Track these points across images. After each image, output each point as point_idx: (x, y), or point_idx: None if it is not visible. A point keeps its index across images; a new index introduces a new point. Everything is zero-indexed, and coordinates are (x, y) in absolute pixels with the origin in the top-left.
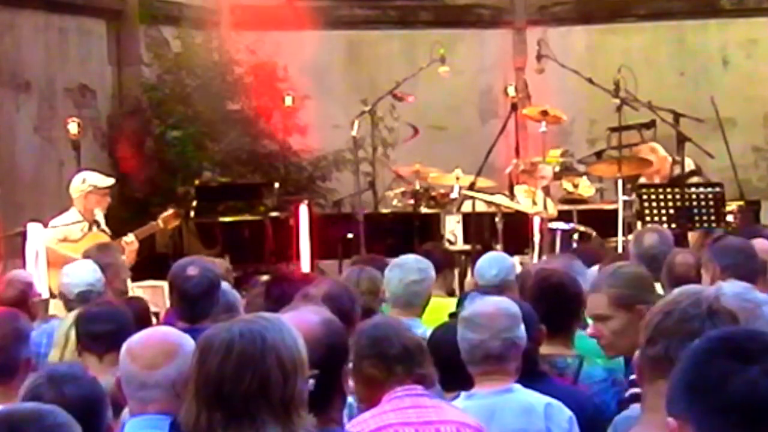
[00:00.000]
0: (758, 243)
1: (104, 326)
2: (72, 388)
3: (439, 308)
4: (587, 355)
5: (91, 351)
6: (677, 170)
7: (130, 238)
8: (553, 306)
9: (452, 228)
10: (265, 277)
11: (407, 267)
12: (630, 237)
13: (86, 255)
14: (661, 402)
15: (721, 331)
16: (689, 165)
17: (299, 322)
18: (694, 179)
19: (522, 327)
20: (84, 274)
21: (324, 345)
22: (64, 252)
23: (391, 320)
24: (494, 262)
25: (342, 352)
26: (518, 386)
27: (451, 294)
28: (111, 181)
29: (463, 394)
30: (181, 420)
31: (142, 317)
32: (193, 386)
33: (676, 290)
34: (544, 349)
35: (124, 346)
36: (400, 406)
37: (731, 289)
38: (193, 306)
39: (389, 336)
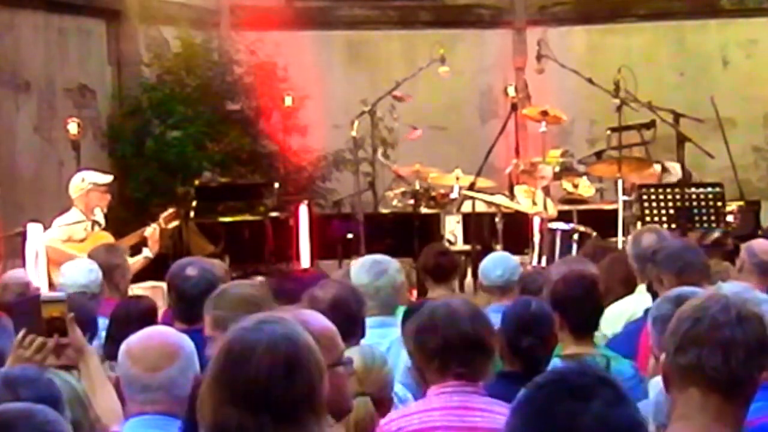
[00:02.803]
0: (758, 243)
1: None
2: (27, 391)
3: None
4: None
5: None
6: (668, 178)
7: (149, 230)
8: (583, 307)
9: (452, 228)
10: (259, 279)
11: (392, 270)
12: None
13: (93, 256)
14: (693, 410)
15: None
16: (675, 169)
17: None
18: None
19: None
20: (78, 275)
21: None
22: (70, 251)
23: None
24: (499, 262)
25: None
26: None
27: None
28: (109, 177)
29: None
30: (208, 423)
31: (149, 316)
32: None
33: (698, 294)
34: (573, 349)
35: (123, 347)
36: (447, 405)
37: (730, 288)
38: (192, 306)
39: (436, 327)
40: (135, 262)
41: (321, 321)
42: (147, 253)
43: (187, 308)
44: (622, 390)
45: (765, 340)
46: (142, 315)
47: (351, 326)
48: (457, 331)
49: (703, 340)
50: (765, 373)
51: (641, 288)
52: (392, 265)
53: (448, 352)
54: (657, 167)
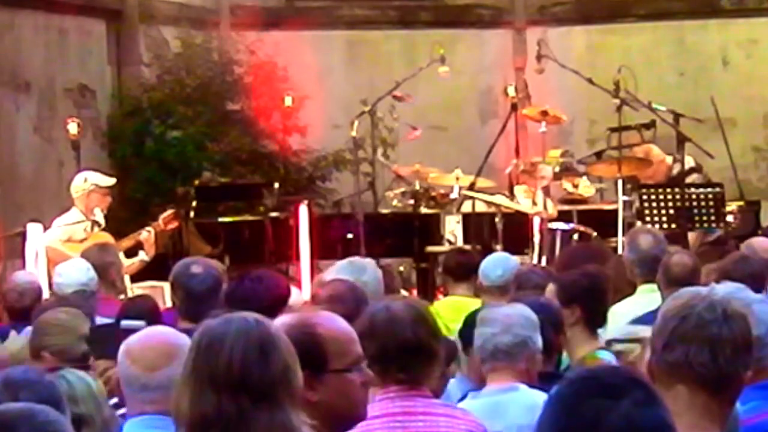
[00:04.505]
0: (758, 242)
1: None
2: (27, 394)
3: (465, 307)
4: None
5: None
6: (677, 168)
7: (145, 234)
8: (602, 302)
9: (452, 228)
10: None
11: (372, 266)
12: None
13: (87, 255)
14: (680, 406)
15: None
16: (689, 162)
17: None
18: (694, 176)
19: (539, 335)
20: (77, 273)
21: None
22: (69, 252)
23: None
24: (499, 262)
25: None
26: (524, 386)
27: (477, 295)
28: (112, 180)
29: (470, 393)
30: (187, 417)
31: (151, 316)
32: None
33: (682, 293)
34: (593, 345)
35: (123, 347)
36: (388, 411)
37: (723, 289)
38: (199, 303)
39: (374, 333)
40: (131, 265)
41: (334, 324)
42: (143, 256)
43: (195, 305)
44: (653, 391)
45: (750, 338)
46: (149, 314)
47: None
48: (396, 337)
49: (690, 338)
50: (750, 373)
51: (641, 289)
52: (369, 262)
53: (386, 358)
54: (669, 158)
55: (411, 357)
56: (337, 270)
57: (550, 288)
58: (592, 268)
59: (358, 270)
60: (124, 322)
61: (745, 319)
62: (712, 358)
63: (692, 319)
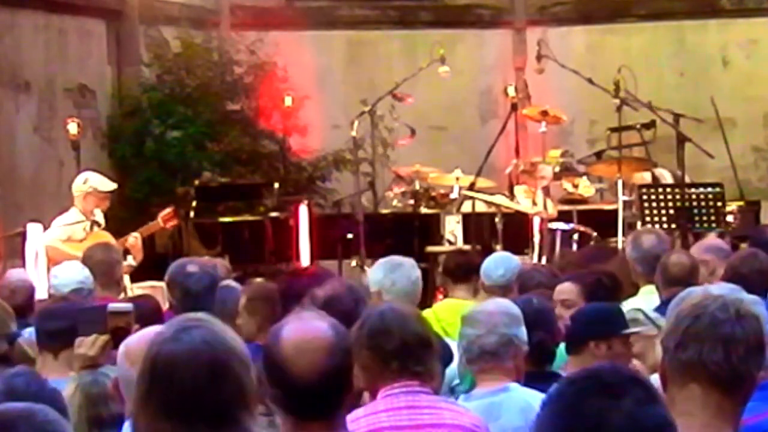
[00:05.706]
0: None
1: (58, 323)
2: (31, 402)
3: (464, 309)
4: None
5: (46, 348)
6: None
7: (132, 240)
8: None
9: (452, 228)
10: (259, 280)
11: (408, 265)
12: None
13: (92, 253)
14: (694, 406)
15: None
16: (666, 178)
17: (312, 330)
18: None
19: (523, 329)
20: (73, 273)
21: (341, 349)
22: (70, 251)
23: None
24: (501, 262)
25: (351, 354)
26: (515, 385)
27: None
28: (112, 186)
29: (462, 396)
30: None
31: (153, 315)
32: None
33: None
34: None
35: (122, 348)
36: (393, 406)
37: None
38: (196, 302)
39: (390, 329)
40: None
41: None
42: (131, 261)
43: (193, 303)
44: (653, 389)
45: (762, 337)
46: (152, 314)
47: (345, 323)
48: (412, 332)
49: (703, 337)
50: (763, 373)
51: (644, 289)
52: (407, 261)
53: (407, 352)
54: (647, 175)
55: (426, 351)
56: (376, 265)
57: (567, 288)
58: (605, 267)
59: (391, 267)
60: (111, 305)
61: (758, 320)
62: (726, 357)
63: (705, 318)
